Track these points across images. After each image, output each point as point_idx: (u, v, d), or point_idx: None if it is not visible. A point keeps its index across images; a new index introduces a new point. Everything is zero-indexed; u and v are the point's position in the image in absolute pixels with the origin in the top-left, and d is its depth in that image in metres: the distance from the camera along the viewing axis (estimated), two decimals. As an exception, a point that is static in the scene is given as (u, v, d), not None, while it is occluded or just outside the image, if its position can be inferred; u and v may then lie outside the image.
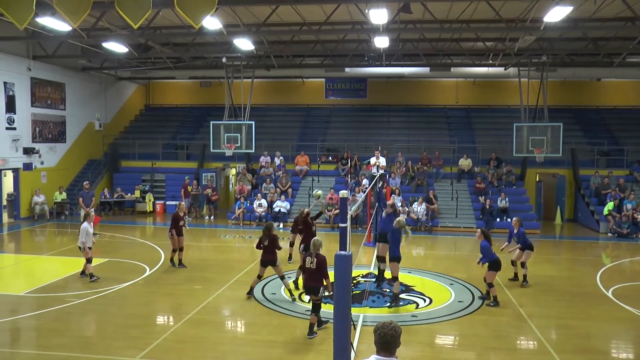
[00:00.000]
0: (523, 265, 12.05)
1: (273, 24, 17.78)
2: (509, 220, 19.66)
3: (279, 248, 10.91)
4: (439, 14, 16.31)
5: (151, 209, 23.58)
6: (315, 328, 8.83)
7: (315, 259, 8.74)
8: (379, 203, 15.66)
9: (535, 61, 20.52)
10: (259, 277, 10.88)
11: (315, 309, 8.81)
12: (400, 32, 18.58)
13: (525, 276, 12.01)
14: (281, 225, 20.25)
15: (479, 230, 11.10)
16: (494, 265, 10.58)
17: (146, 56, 22.53)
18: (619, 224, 19.06)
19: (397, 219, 10.99)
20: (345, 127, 27.29)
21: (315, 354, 8.13)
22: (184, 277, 12.47)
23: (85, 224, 11.98)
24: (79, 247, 12.07)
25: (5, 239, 17.89)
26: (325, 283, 8.77)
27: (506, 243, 12.42)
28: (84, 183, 18.88)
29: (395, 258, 10.50)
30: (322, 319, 9.01)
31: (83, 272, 12.22)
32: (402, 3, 14.44)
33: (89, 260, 11.94)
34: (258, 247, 10.82)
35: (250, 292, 10.88)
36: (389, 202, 12.62)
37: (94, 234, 17.14)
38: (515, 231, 12.11)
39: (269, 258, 10.74)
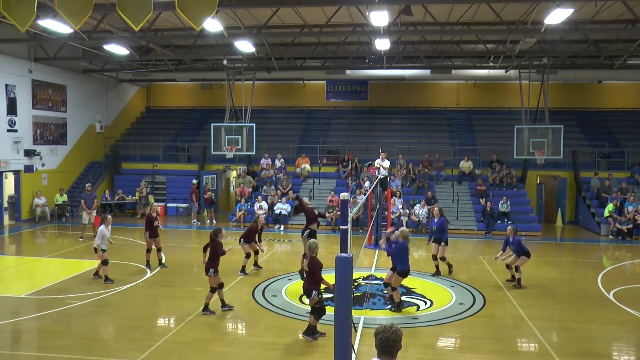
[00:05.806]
0: (517, 269, 12.19)
1: (274, 26, 17.80)
2: (509, 222, 19.69)
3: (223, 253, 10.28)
4: (439, 16, 16.33)
5: (152, 211, 23.53)
6: (311, 334, 8.67)
7: (307, 261, 8.76)
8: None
9: (536, 63, 20.52)
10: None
11: (313, 311, 8.69)
12: (401, 35, 18.59)
13: (519, 280, 12.11)
14: (282, 227, 20.29)
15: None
16: (403, 273, 10.30)
17: (147, 58, 22.57)
18: (620, 223, 19.06)
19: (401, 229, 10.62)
20: (346, 129, 27.30)
21: (317, 356, 8.12)
22: (185, 279, 12.46)
23: (102, 227, 12.12)
24: (94, 249, 12.16)
25: (6, 241, 17.91)
26: (323, 285, 8.69)
27: (500, 252, 12.36)
28: (86, 185, 18.86)
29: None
30: (317, 332, 8.78)
31: (97, 273, 12.39)
32: (403, 5, 14.46)
33: (104, 263, 12.06)
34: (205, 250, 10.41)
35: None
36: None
37: (80, 237, 17.28)
38: (510, 240, 12.23)
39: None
